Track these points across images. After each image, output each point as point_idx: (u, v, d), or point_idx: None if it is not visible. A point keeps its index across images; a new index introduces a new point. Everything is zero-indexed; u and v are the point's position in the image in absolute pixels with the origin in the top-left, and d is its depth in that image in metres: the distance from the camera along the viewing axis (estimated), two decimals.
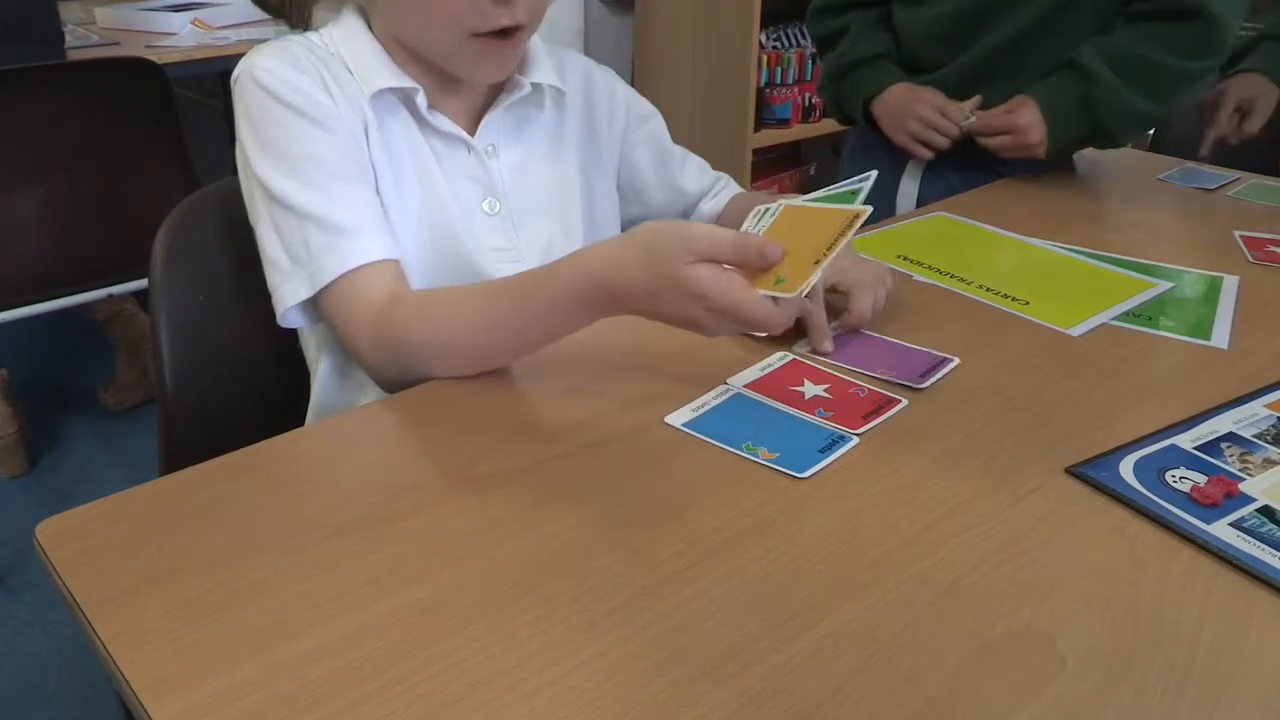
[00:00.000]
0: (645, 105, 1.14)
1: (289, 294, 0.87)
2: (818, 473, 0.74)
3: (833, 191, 0.79)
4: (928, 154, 1.47)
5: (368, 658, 0.56)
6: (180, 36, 2.42)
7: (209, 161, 1.94)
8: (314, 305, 0.89)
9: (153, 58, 1.98)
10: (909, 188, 1.56)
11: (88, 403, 2.52)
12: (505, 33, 0.88)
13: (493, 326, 0.83)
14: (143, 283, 1.95)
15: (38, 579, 1.92)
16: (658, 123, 1.15)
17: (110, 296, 2.04)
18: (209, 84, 2.60)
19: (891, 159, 1.57)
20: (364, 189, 0.89)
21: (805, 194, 0.81)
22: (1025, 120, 1.37)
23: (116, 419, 2.47)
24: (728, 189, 1.18)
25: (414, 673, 0.55)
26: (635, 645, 0.58)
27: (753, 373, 0.87)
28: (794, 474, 0.74)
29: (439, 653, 0.57)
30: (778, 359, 0.90)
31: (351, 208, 0.88)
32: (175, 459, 0.94)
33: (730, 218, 1.15)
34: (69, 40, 2.26)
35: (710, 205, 1.17)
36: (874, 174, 0.78)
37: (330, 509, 0.69)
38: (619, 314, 0.78)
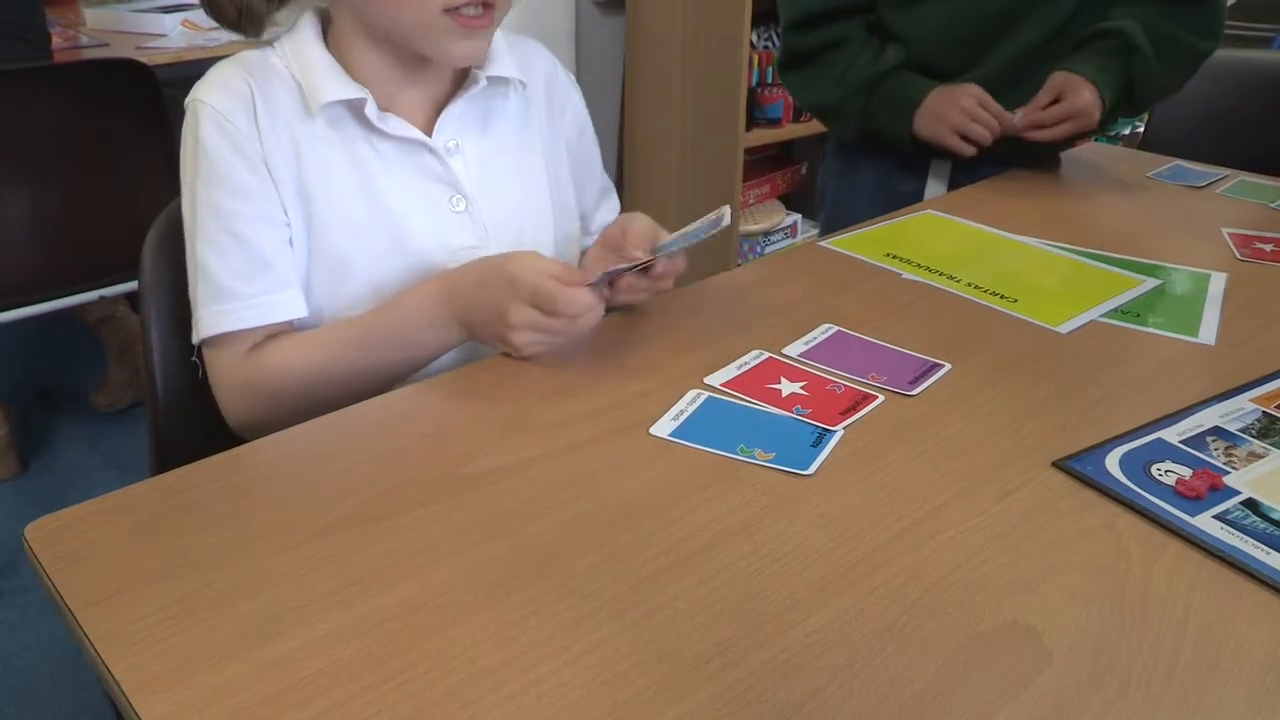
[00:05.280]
0: (589, 121, 1.13)
1: (193, 331, 0.92)
2: (820, 467, 0.75)
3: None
4: (971, 150, 1.41)
5: (356, 656, 0.56)
6: (170, 38, 2.42)
7: None
8: None
9: (142, 59, 1.98)
10: (938, 178, 1.53)
11: (79, 404, 2.52)
12: (479, 6, 0.88)
13: (347, 351, 0.91)
14: (134, 284, 1.95)
15: (30, 582, 1.92)
16: (590, 138, 1.13)
17: (101, 298, 2.03)
18: None
19: (878, 181, 1.56)
20: (260, 246, 0.90)
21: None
22: (1086, 102, 1.35)
23: (108, 420, 2.47)
24: None
25: (402, 671, 0.56)
26: (623, 642, 0.58)
27: (729, 371, 0.88)
28: (799, 471, 0.74)
29: (427, 651, 0.57)
30: (753, 357, 0.90)
31: (234, 272, 0.89)
32: (166, 460, 0.94)
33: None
34: (58, 41, 2.26)
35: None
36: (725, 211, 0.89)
37: (318, 509, 0.69)
38: (459, 328, 0.89)
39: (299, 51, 0.93)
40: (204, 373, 0.94)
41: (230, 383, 0.91)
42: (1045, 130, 1.39)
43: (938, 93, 1.42)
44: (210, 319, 0.90)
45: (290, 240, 0.92)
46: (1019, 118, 1.39)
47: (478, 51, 0.94)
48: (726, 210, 0.89)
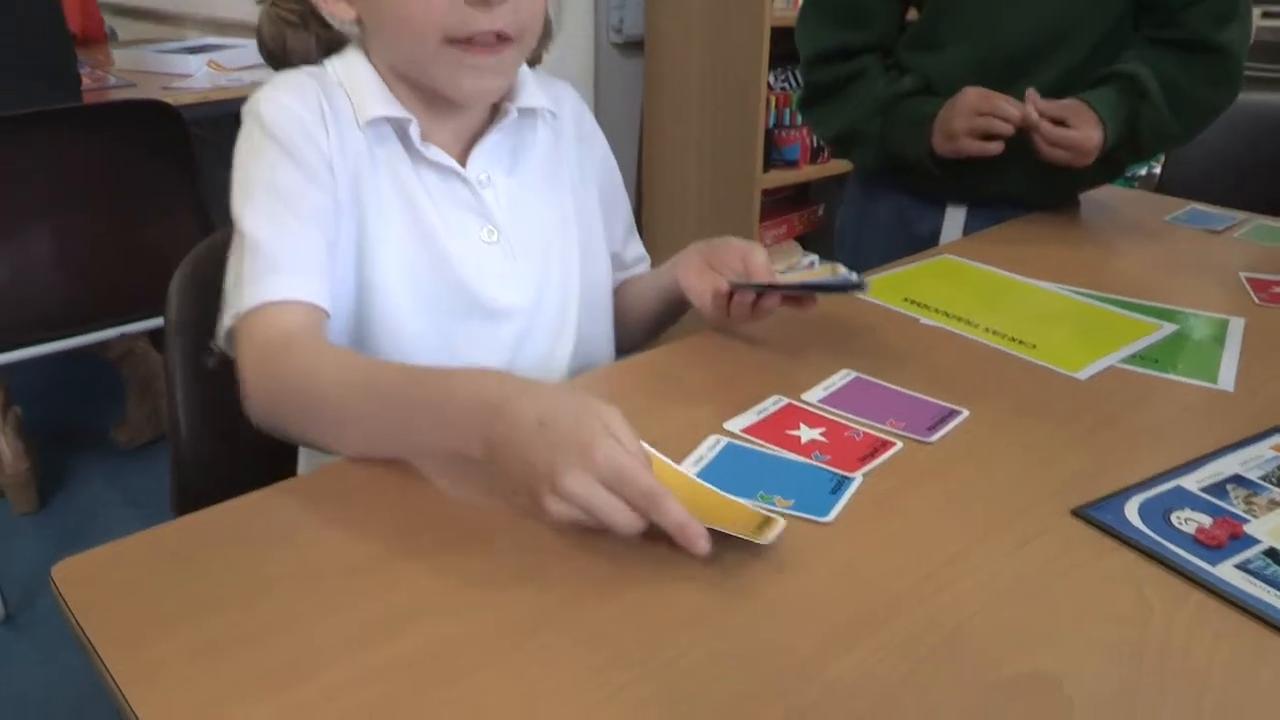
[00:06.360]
0: (614, 159, 1.15)
1: (221, 322, 0.88)
2: (839, 514, 0.74)
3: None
4: (993, 148, 1.38)
5: (378, 700, 0.57)
6: (195, 78, 2.46)
7: (223, 201, 1.96)
8: None
9: (168, 99, 2.01)
10: (954, 222, 1.53)
11: (98, 440, 2.54)
12: (488, 43, 0.89)
13: (364, 394, 0.79)
14: (155, 322, 1.97)
15: (47, 616, 1.92)
16: (617, 176, 1.16)
17: (123, 335, 2.05)
18: (223, 124, 2.64)
19: (895, 221, 1.57)
20: (315, 234, 0.89)
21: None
22: (1093, 144, 1.35)
23: (127, 457, 2.48)
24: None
25: (424, 715, 0.56)
26: (643, 690, 0.58)
27: (748, 417, 0.88)
28: (817, 519, 0.74)
29: (449, 696, 0.57)
30: (773, 403, 0.90)
31: (291, 245, 0.88)
32: (187, 500, 0.94)
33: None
34: (87, 82, 2.30)
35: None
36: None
37: (341, 551, 0.69)
38: (477, 446, 0.71)
39: (349, 70, 0.95)
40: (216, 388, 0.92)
41: (248, 367, 0.84)
42: (1041, 142, 1.37)
43: (943, 110, 1.42)
44: (254, 291, 0.85)
45: (332, 242, 0.91)
46: (1037, 109, 1.35)
47: (491, 86, 0.94)
48: (850, 273, 0.95)
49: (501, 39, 0.89)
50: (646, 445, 0.70)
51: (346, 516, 0.74)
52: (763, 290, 0.97)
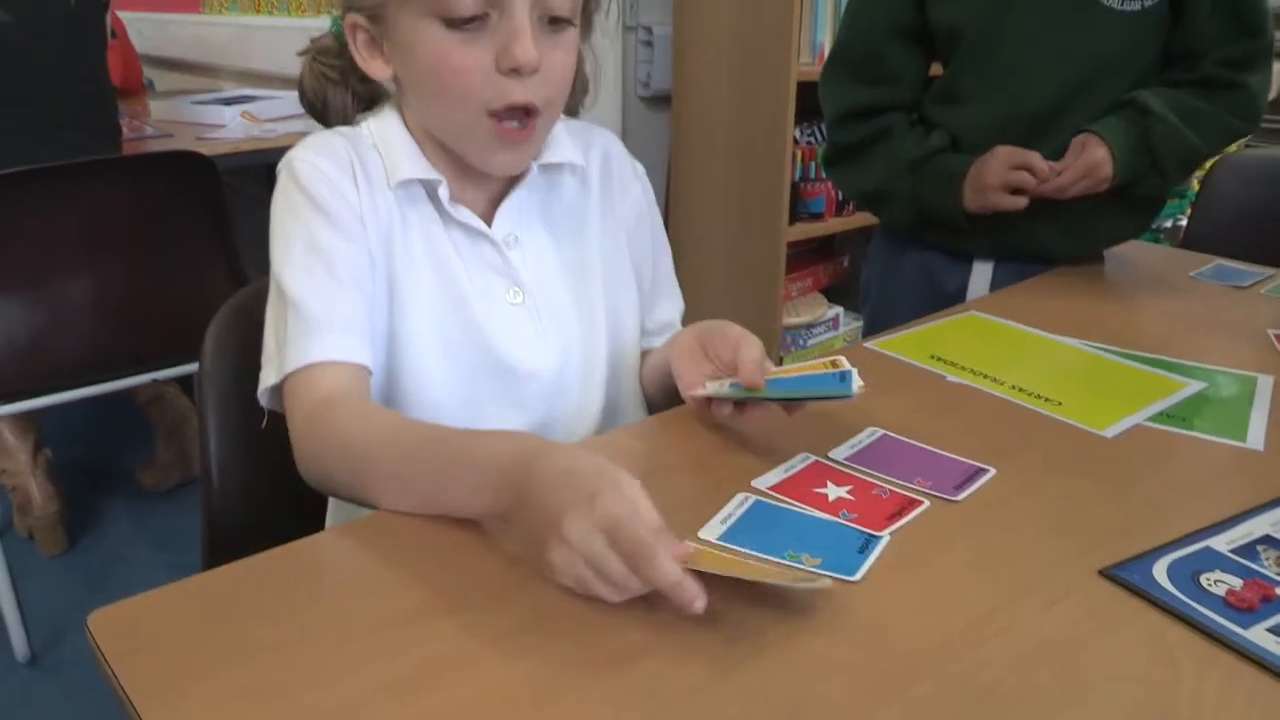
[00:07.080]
0: (650, 211, 1.13)
1: (263, 378, 0.91)
2: (867, 574, 0.74)
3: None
4: (1022, 202, 1.41)
5: None
6: (229, 129, 2.51)
7: (258, 249, 1.99)
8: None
9: (203, 149, 2.06)
10: (981, 277, 1.55)
11: (126, 483, 2.56)
12: (520, 119, 0.91)
13: (404, 457, 0.81)
14: (188, 368, 2.00)
15: (72, 659, 1.93)
16: (648, 229, 1.13)
17: (154, 380, 2.08)
18: (256, 174, 2.69)
19: (921, 277, 1.58)
20: (354, 292, 0.91)
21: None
22: (1098, 157, 1.38)
23: (154, 500, 2.50)
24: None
25: None
26: None
27: (775, 474, 0.88)
28: (845, 578, 0.74)
29: None
30: (800, 460, 0.91)
31: (332, 305, 0.90)
32: (219, 550, 0.96)
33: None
34: (126, 132, 2.35)
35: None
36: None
37: (376, 603, 0.70)
38: (507, 501, 0.73)
39: (383, 130, 0.98)
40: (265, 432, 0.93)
41: (296, 426, 0.87)
42: (1062, 190, 1.40)
43: (974, 165, 1.44)
44: (298, 352, 0.87)
45: (369, 298, 0.93)
46: (1049, 172, 1.40)
47: (518, 161, 0.96)
48: (851, 371, 0.86)
49: (530, 113, 0.91)
50: (695, 543, 0.69)
51: (380, 569, 0.75)
52: (742, 401, 0.92)
